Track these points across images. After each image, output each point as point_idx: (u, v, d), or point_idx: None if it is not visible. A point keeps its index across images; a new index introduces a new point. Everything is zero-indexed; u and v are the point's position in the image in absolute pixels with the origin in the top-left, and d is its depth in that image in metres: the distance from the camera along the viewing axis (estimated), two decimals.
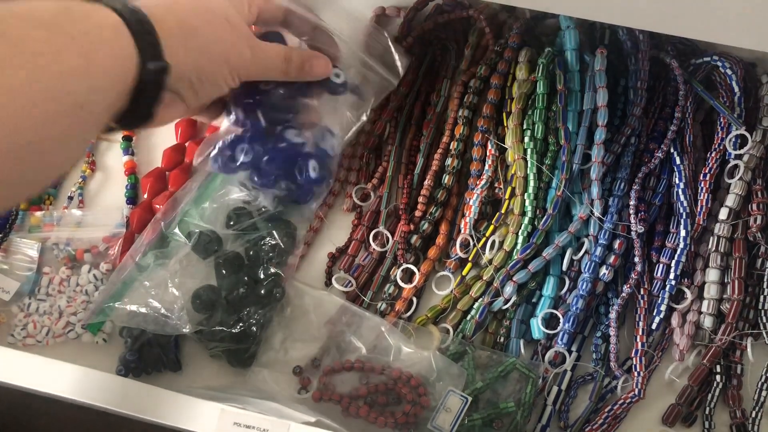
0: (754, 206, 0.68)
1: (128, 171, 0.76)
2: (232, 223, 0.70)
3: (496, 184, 0.71)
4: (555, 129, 0.70)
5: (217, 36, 0.54)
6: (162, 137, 0.78)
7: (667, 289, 0.67)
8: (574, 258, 0.69)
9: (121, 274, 0.68)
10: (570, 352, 0.67)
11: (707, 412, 0.66)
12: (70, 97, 0.42)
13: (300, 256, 0.72)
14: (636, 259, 0.67)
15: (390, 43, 0.71)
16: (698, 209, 0.68)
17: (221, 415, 0.59)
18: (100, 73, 0.44)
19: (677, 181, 0.69)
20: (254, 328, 0.66)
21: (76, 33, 0.43)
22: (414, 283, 0.70)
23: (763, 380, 0.66)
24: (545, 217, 0.68)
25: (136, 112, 0.49)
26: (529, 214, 0.69)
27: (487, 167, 0.71)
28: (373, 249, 0.71)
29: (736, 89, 0.70)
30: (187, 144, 0.77)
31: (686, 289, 0.68)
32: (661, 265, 0.68)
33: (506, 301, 0.68)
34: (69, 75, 0.42)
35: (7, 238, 0.71)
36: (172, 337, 0.67)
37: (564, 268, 0.69)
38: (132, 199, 0.75)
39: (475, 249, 0.70)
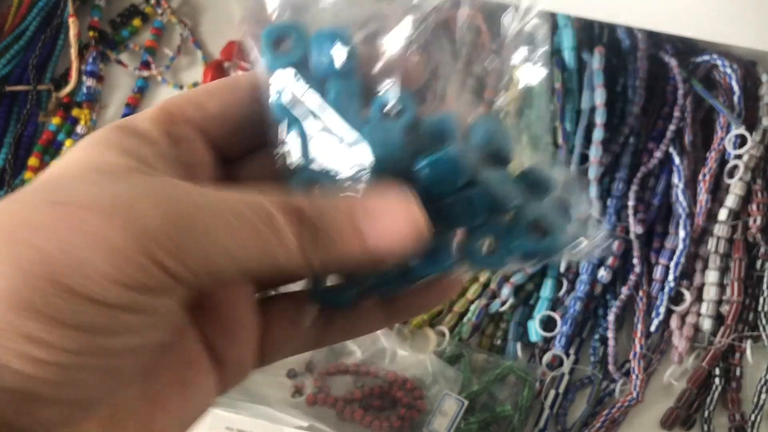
0: (754, 207, 0.67)
1: None
2: None
3: None
4: (552, 129, 0.69)
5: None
6: None
7: (666, 290, 0.67)
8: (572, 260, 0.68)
9: None
10: (568, 355, 0.67)
11: (706, 415, 0.66)
12: None
13: None
14: (635, 261, 0.67)
15: None
16: (698, 210, 0.68)
17: (213, 419, 0.58)
18: None
19: (676, 182, 0.69)
20: None
21: None
22: None
23: (762, 383, 0.66)
24: None
25: None
26: None
27: None
28: None
29: (736, 88, 0.69)
30: None
31: (685, 291, 0.67)
32: (660, 267, 0.67)
33: (503, 303, 0.67)
34: None
35: None
36: None
37: (562, 269, 0.68)
38: None
39: None
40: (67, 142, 0.76)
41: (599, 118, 0.68)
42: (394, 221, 0.22)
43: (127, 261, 0.20)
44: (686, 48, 0.74)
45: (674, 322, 0.67)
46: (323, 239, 0.22)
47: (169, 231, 0.21)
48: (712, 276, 0.67)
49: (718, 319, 0.67)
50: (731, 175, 0.68)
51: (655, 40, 0.72)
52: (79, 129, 0.77)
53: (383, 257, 0.23)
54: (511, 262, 0.26)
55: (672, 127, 0.69)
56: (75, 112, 0.78)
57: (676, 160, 0.69)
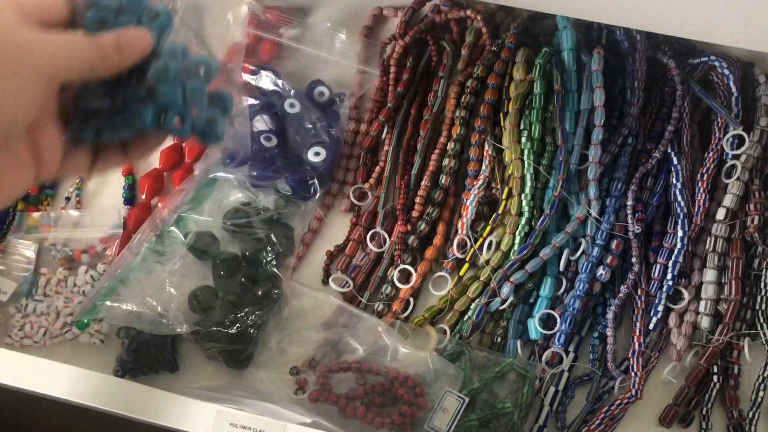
0: (752, 206, 0.68)
1: (126, 172, 0.76)
2: (229, 222, 0.70)
3: (493, 185, 0.71)
4: (552, 129, 0.70)
5: None
6: None
7: (664, 289, 0.67)
8: (572, 258, 0.69)
9: (115, 270, 0.68)
10: (567, 353, 0.67)
11: (704, 412, 0.66)
12: None
13: (298, 257, 0.72)
14: (633, 260, 0.67)
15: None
16: (696, 209, 0.68)
17: (217, 415, 0.59)
18: None
19: (674, 182, 0.69)
20: (251, 329, 0.66)
21: None
22: (411, 284, 0.70)
23: (760, 380, 0.66)
24: (542, 217, 0.68)
25: None
26: (527, 215, 0.69)
27: (484, 168, 0.71)
28: (371, 250, 0.71)
29: (734, 89, 0.70)
30: (185, 144, 0.77)
31: (683, 290, 0.68)
32: (658, 266, 0.68)
33: (503, 302, 0.68)
34: None
35: (4, 239, 0.71)
36: (169, 338, 0.67)
37: (561, 268, 0.69)
38: (129, 199, 0.75)
39: (472, 249, 0.70)
40: None
41: (598, 119, 0.68)
42: (133, 33, 0.43)
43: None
44: (684, 49, 0.74)
45: (673, 320, 0.68)
46: (109, 47, 0.42)
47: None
48: (710, 275, 0.68)
49: (716, 317, 0.68)
50: (729, 175, 0.69)
51: (654, 41, 0.73)
52: None
53: (137, 54, 0.44)
54: (193, 135, 0.44)
55: (670, 128, 0.70)
56: None
57: (675, 160, 0.70)
